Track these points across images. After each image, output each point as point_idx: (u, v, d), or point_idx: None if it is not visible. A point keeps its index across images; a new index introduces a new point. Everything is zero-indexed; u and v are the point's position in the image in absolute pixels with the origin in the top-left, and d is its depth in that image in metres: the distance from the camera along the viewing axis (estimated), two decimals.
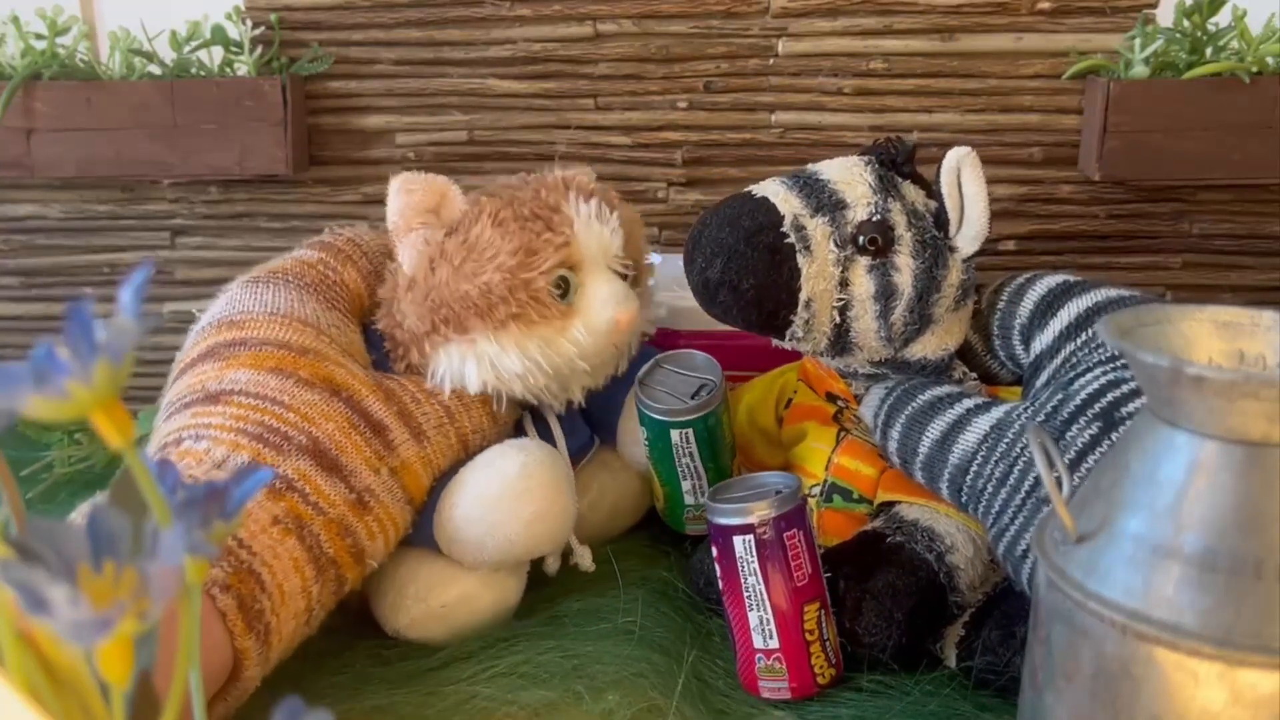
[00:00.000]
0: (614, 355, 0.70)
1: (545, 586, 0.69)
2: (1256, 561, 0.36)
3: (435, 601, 0.63)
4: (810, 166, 0.66)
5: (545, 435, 0.71)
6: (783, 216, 0.62)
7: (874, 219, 0.62)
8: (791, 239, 0.61)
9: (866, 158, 0.65)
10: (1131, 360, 0.40)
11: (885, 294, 0.62)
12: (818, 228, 0.62)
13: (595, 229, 0.67)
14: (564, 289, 0.66)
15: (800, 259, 0.61)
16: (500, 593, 0.64)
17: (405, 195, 0.66)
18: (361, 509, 0.59)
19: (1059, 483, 0.43)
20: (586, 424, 0.74)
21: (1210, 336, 0.43)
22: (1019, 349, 0.65)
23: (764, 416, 0.74)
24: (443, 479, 0.65)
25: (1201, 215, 0.93)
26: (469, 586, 0.63)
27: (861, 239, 0.62)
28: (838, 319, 0.62)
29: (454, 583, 0.63)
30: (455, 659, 0.61)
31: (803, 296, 0.61)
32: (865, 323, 0.63)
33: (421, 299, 0.66)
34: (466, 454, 0.66)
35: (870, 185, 0.63)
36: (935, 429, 0.61)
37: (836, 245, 0.62)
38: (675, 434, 0.69)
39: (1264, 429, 0.37)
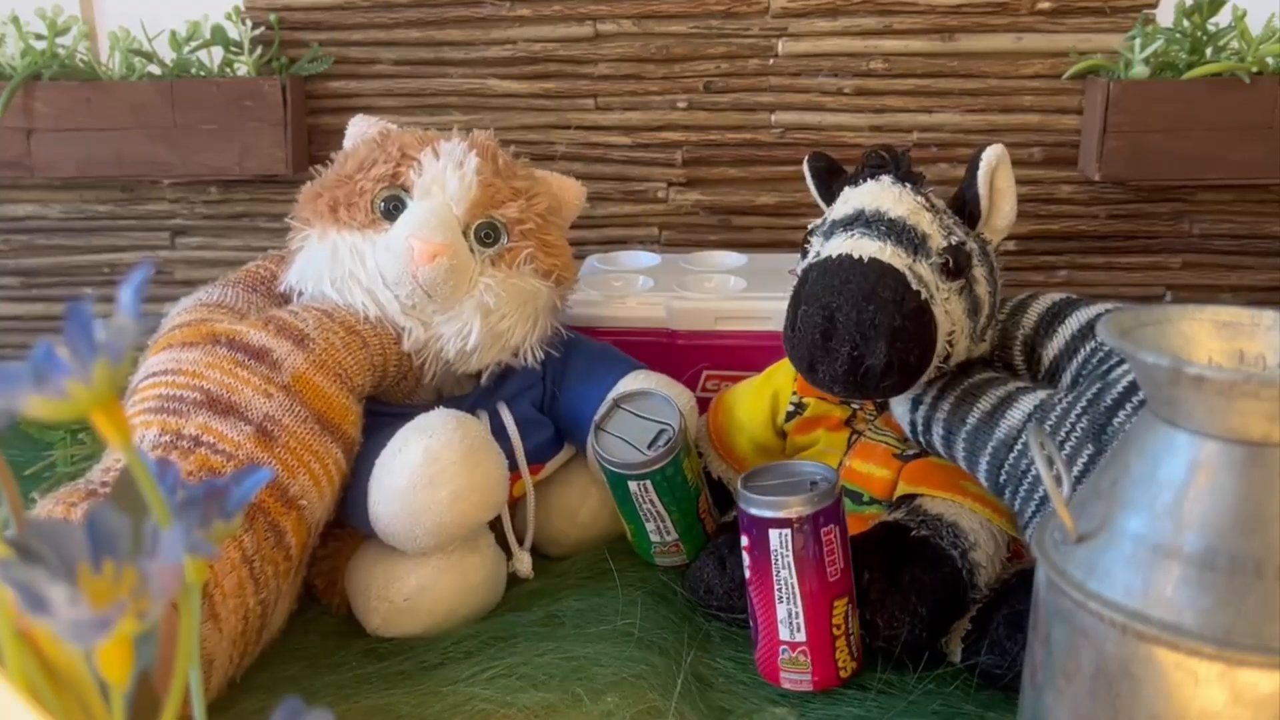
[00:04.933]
0: (433, 297, 0.66)
1: (543, 584, 0.69)
2: (1256, 561, 0.36)
3: (397, 597, 0.63)
4: (866, 207, 0.61)
5: (501, 434, 0.70)
6: (903, 272, 0.57)
7: (952, 241, 0.60)
8: (924, 293, 0.58)
9: (890, 178, 0.62)
10: (1132, 360, 0.40)
11: (974, 309, 0.61)
12: (925, 271, 0.59)
13: (440, 165, 0.68)
14: (392, 211, 0.67)
15: (935, 310, 0.58)
16: (460, 576, 0.64)
17: (353, 127, 0.74)
18: (267, 440, 0.59)
19: (1058, 482, 0.43)
20: (554, 426, 0.74)
21: (1210, 336, 0.43)
22: (1018, 359, 0.66)
23: (760, 431, 0.72)
24: (358, 469, 0.64)
25: (1201, 215, 0.94)
26: (425, 576, 0.63)
27: (949, 265, 0.60)
28: (947, 349, 0.60)
29: (410, 575, 0.63)
30: (452, 658, 0.61)
31: (939, 347, 0.59)
32: (962, 343, 0.61)
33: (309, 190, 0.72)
34: (367, 348, 0.65)
35: (926, 208, 0.61)
36: (985, 403, 0.61)
37: (942, 281, 0.59)
38: (633, 485, 0.67)
39: (1264, 429, 0.37)
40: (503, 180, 0.69)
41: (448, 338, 0.67)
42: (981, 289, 0.61)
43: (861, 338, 0.56)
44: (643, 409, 0.70)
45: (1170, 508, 0.38)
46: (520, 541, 0.71)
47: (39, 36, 0.93)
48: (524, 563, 0.70)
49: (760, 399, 0.72)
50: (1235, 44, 0.86)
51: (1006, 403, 0.60)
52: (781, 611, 0.56)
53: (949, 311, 0.59)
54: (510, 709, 0.55)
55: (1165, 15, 0.89)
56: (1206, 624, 0.36)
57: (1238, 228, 0.93)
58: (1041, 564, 0.43)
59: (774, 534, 0.55)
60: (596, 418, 0.69)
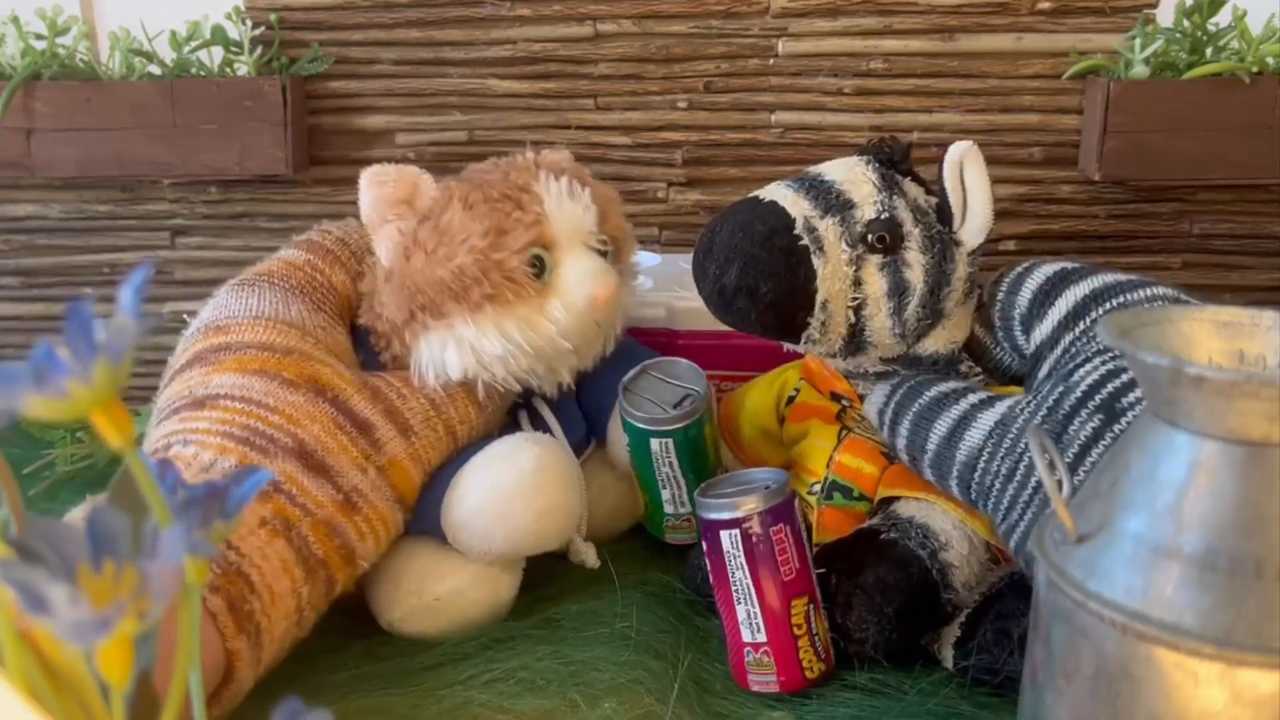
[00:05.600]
0: (597, 333, 0.69)
1: (542, 588, 0.69)
2: (1256, 561, 0.36)
3: (428, 595, 0.63)
4: (812, 169, 0.66)
5: (540, 429, 0.71)
6: (794, 219, 0.62)
7: (882, 217, 0.62)
8: (805, 241, 0.61)
9: (865, 157, 0.66)
10: (1131, 360, 0.40)
11: (898, 291, 0.62)
12: (829, 228, 0.62)
13: (567, 206, 0.67)
14: (539, 268, 0.66)
15: (815, 260, 0.61)
16: (493, 588, 0.64)
17: (377, 188, 0.66)
18: (350, 509, 0.59)
19: (1059, 483, 0.43)
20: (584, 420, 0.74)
21: (1210, 336, 0.43)
22: (1020, 339, 0.66)
23: (765, 416, 0.74)
24: (436, 474, 0.65)
25: (1201, 215, 0.93)
26: (461, 581, 0.63)
27: (870, 237, 0.62)
28: (853, 319, 0.63)
29: (447, 577, 0.63)
30: (451, 659, 0.61)
31: (819, 298, 0.62)
32: (879, 321, 0.63)
33: (399, 288, 0.66)
34: (456, 447, 0.66)
35: (874, 184, 0.64)
36: (941, 426, 0.61)
37: (848, 245, 0.62)
38: (655, 443, 0.68)
39: (1264, 429, 0.37)
40: (595, 196, 0.69)
41: (585, 358, 0.70)
42: (913, 275, 0.62)
43: (725, 259, 0.61)
44: (670, 375, 0.72)
45: (1170, 508, 0.38)
46: (579, 533, 0.71)
47: (39, 36, 0.93)
48: (590, 554, 0.70)
49: (771, 388, 0.75)
50: (1235, 44, 0.86)
51: (963, 424, 0.61)
52: (741, 612, 0.58)
53: (862, 281, 0.62)
54: (508, 715, 0.55)
55: (1165, 15, 0.89)
56: (1206, 624, 0.36)
57: (1238, 228, 0.93)
58: (1041, 564, 0.43)
59: (724, 535, 0.57)
60: (625, 379, 0.71)
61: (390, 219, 0.67)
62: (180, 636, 0.31)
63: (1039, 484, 0.55)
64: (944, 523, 0.63)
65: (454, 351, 0.65)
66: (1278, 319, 0.42)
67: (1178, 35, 0.85)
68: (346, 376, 0.64)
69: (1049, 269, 0.65)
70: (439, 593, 0.63)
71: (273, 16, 0.95)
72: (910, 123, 0.94)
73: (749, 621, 0.58)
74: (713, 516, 0.58)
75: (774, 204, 0.62)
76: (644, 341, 0.79)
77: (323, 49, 0.96)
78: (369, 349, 0.69)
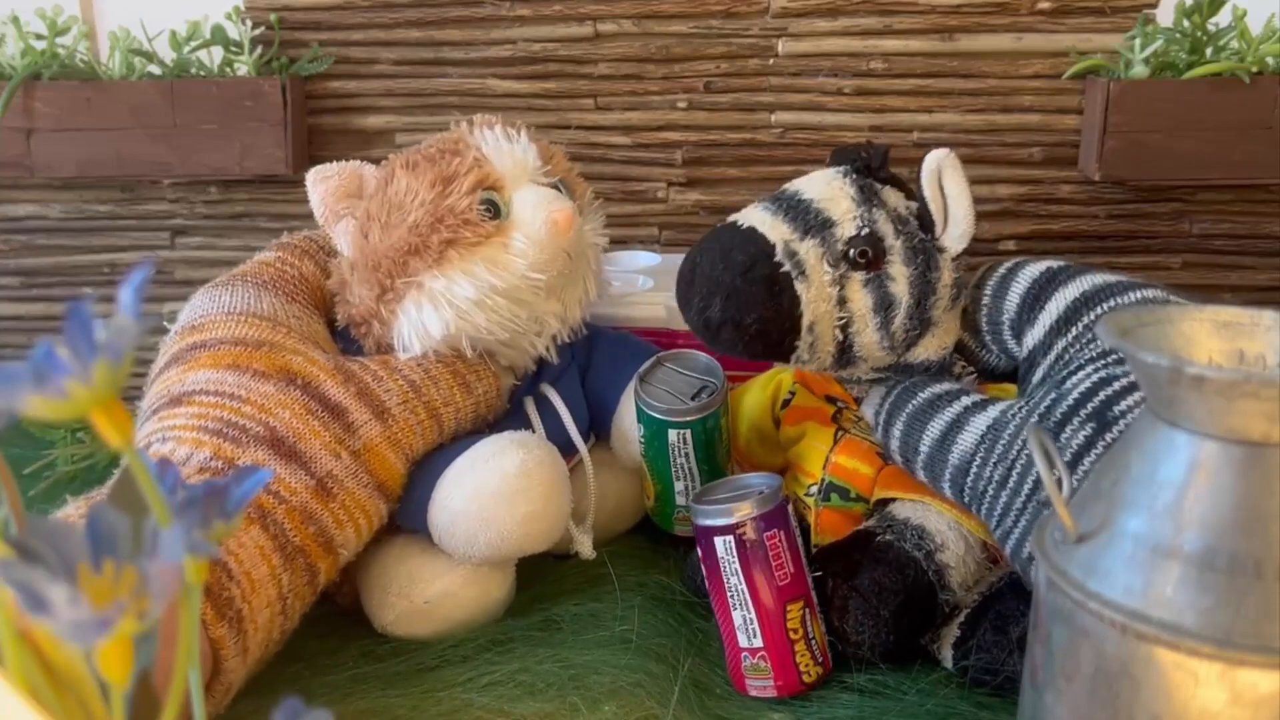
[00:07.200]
0: (571, 268, 0.68)
1: (542, 588, 0.69)
2: (1256, 561, 0.36)
3: (418, 598, 0.63)
4: (789, 187, 0.65)
5: (549, 416, 0.71)
6: (774, 245, 0.60)
7: (863, 233, 0.61)
8: (786, 267, 0.60)
9: (843, 168, 0.64)
10: (1131, 360, 0.40)
11: (884, 305, 0.62)
12: (809, 251, 0.61)
13: (505, 146, 0.67)
14: (494, 210, 0.66)
15: (798, 285, 0.60)
16: (483, 589, 0.64)
17: (323, 185, 0.67)
18: (325, 495, 0.59)
19: (1059, 483, 0.43)
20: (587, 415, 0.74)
21: (1210, 336, 0.43)
22: (1011, 343, 0.65)
23: (760, 417, 0.74)
24: (423, 463, 0.64)
25: (1201, 215, 0.93)
26: (451, 583, 0.63)
27: (853, 254, 0.61)
28: (840, 336, 0.62)
29: (437, 579, 0.63)
30: (450, 662, 0.61)
31: (805, 322, 0.60)
32: (867, 336, 0.62)
33: (364, 268, 0.66)
34: (441, 432, 0.66)
35: (853, 198, 0.62)
36: (935, 428, 0.61)
37: (830, 265, 0.61)
38: (673, 434, 0.68)
39: (1264, 429, 0.37)
40: (538, 142, 0.70)
41: (569, 305, 0.69)
42: (898, 288, 0.61)
43: (708, 291, 0.60)
44: (686, 366, 0.72)
45: (1170, 508, 0.38)
46: (579, 521, 0.71)
47: (39, 36, 0.93)
48: (585, 545, 0.70)
49: (766, 389, 0.74)
50: (1235, 44, 0.86)
51: (956, 427, 0.60)
52: (737, 618, 0.58)
53: (847, 299, 0.61)
54: (507, 718, 0.55)
55: (1165, 15, 0.89)
56: (1206, 624, 0.36)
57: (1238, 228, 0.93)
58: (1041, 564, 0.43)
59: (719, 541, 0.58)
60: (641, 370, 0.71)
61: (343, 214, 0.67)
62: (180, 636, 0.31)
63: (1032, 490, 0.55)
64: (939, 524, 0.63)
65: (430, 309, 0.65)
66: (1278, 319, 0.42)
67: (1178, 35, 0.85)
68: (319, 362, 0.63)
69: (1034, 270, 0.64)
70: (429, 595, 0.63)
71: (273, 16, 0.95)
72: (910, 123, 0.94)
73: (745, 627, 0.58)
74: (707, 523, 0.58)
75: (752, 230, 0.61)
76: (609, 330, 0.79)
77: (323, 49, 0.96)
78: (354, 346, 0.69)
